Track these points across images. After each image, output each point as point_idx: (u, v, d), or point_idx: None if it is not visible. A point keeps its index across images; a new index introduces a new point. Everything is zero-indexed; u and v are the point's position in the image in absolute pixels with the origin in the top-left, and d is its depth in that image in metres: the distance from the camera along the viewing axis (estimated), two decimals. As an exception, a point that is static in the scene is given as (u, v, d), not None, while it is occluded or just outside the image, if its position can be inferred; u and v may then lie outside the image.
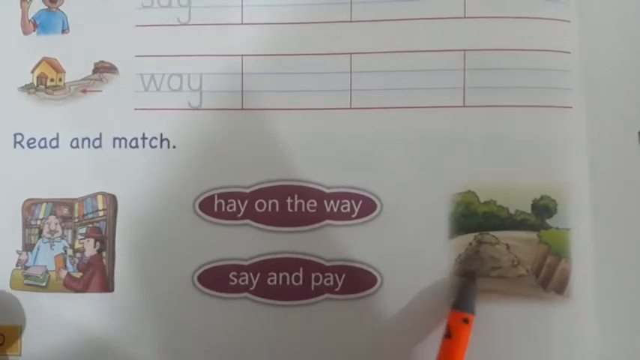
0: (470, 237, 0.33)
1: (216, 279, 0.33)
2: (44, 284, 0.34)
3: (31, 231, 0.34)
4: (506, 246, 0.33)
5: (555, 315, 0.32)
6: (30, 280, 0.34)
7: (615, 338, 0.33)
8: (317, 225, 0.33)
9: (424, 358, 0.32)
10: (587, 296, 0.33)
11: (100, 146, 0.34)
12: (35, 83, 0.35)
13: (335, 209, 0.33)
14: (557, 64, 0.33)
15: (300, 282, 0.33)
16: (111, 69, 0.34)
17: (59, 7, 0.35)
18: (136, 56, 0.34)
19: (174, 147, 0.34)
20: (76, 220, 0.34)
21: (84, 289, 0.34)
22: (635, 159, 0.34)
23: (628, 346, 0.33)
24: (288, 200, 0.33)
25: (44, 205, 0.34)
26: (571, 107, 0.33)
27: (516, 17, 0.33)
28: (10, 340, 0.34)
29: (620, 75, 0.34)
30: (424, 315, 0.33)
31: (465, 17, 0.33)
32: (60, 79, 0.35)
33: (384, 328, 0.33)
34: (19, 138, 0.35)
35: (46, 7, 0.35)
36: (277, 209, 0.33)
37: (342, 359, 0.33)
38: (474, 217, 0.33)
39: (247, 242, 0.33)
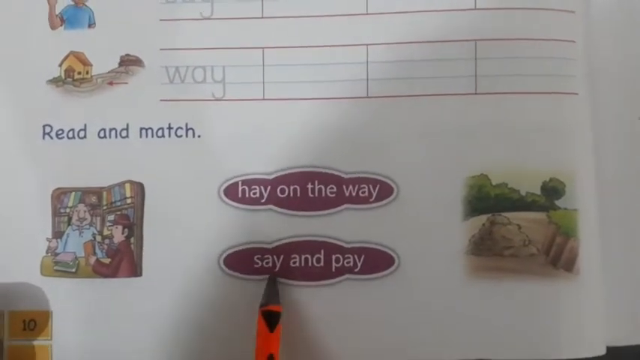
0: (483, 218, 0.34)
1: (242, 262, 0.35)
2: (74, 270, 0.35)
3: (61, 219, 0.36)
4: (517, 226, 0.34)
5: (565, 291, 0.34)
6: (60, 267, 0.35)
7: (622, 312, 0.35)
8: (337, 209, 0.35)
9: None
10: (595, 273, 0.34)
11: (127, 136, 0.35)
12: (63, 76, 0.36)
13: (353, 193, 0.35)
14: (563, 52, 0.35)
15: (322, 263, 0.35)
16: (137, 62, 0.36)
17: (85, 3, 0.36)
18: (161, 49, 0.36)
19: (199, 136, 0.35)
20: (105, 208, 0.36)
21: (113, 275, 0.35)
22: (637, 142, 0.35)
23: (634, 320, 0.35)
24: (309, 186, 0.35)
25: (73, 193, 0.36)
26: (577, 94, 0.35)
27: (524, 8, 0.35)
28: (41, 325, 0.35)
29: (622, 62, 0.35)
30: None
31: (475, 9, 0.35)
32: (87, 72, 0.36)
33: (402, 306, 0.34)
34: (47, 129, 0.36)
35: (73, 3, 0.36)
36: (298, 194, 0.35)
37: (362, 337, 0.34)
38: (486, 200, 0.34)
39: (270, 226, 0.35)
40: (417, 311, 0.34)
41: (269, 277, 0.34)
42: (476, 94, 0.35)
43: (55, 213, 0.36)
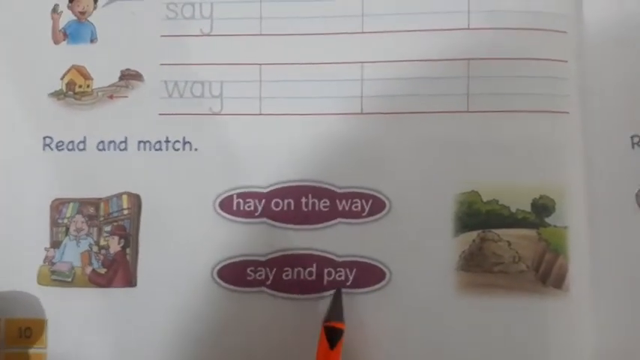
0: (473, 234, 0.35)
1: (235, 274, 0.35)
2: (70, 279, 0.36)
3: (59, 229, 0.36)
4: (507, 243, 0.34)
5: (554, 308, 0.34)
6: (56, 276, 0.36)
7: (611, 330, 0.35)
8: (329, 223, 0.35)
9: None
10: (584, 290, 0.34)
11: (125, 149, 0.36)
12: (64, 89, 0.37)
13: (346, 208, 0.35)
14: (554, 72, 0.35)
15: (314, 277, 0.35)
16: (137, 76, 0.37)
17: (88, 19, 0.37)
18: (161, 64, 0.36)
19: (196, 150, 0.36)
20: (102, 219, 0.36)
21: (108, 284, 0.36)
22: (627, 161, 0.35)
23: (623, 337, 0.35)
24: (303, 200, 0.35)
25: (71, 204, 0.36)
26: (568, 112, 0.35)
27: (516, 28, 0.35)
28: (37, 333, 0.36)
29: (613, 82, 0.36)
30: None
31: (468, 29, 0.35)
32: (88, 86, 0.37)
33: (392, 320, 0.34)
34: (48, 141, 0.37)
35: (76, 18, 0.37)
36: (292, 208, 0.35)
37: (352, 350, 0.34)
38: (477, 216, 0.35)
39: (264, 239, 0.35)
40: (407, 325, 0.34)
41: (335, 292, 0.34)
42: (468, 112, 0.35)
43: (54, 223, 0.36)
